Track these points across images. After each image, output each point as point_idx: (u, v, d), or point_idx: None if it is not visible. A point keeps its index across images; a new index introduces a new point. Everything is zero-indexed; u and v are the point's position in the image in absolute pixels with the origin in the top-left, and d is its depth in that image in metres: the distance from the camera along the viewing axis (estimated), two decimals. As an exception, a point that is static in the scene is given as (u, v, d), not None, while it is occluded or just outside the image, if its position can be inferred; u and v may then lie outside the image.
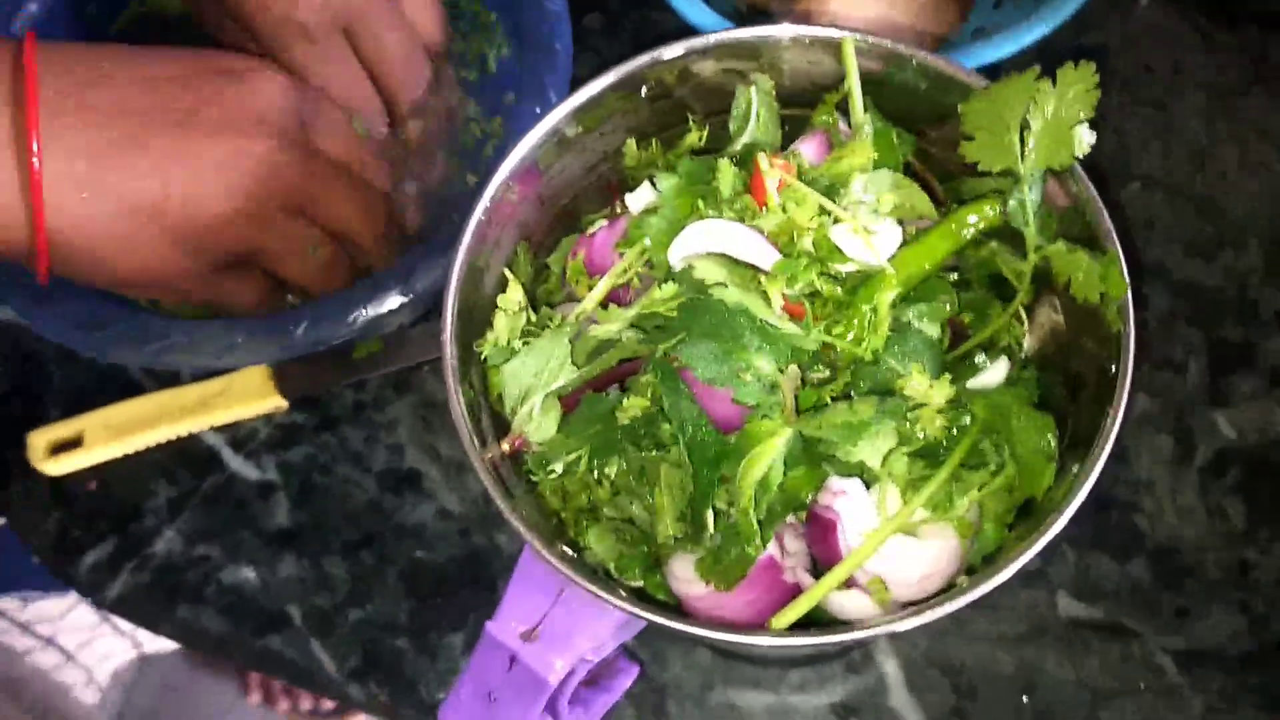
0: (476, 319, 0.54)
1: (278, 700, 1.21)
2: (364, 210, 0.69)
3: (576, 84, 0.56)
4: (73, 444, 0.73)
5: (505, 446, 0.52)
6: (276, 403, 0.74)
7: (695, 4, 0.71)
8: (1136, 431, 0.72)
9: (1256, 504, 0.70)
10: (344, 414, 0.76)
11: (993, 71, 0.58)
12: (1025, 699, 0.67)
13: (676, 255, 0.51)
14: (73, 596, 1.12)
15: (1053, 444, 0.50)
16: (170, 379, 0.76)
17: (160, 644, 1.18)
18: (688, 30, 0.70)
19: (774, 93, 0.56)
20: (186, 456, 0.75)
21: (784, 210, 0.50)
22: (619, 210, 0.57)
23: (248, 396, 0.74)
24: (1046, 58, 0.52)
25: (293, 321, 0.65)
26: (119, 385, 0.77)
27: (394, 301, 0.65)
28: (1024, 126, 0.49)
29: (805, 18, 0.69)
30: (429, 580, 0.72)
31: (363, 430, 0.76)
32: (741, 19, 0.79)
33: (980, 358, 0.53)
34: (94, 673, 1.16)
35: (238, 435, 0.76)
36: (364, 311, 0.65)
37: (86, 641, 1.16)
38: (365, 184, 0.70)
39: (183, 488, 0.75)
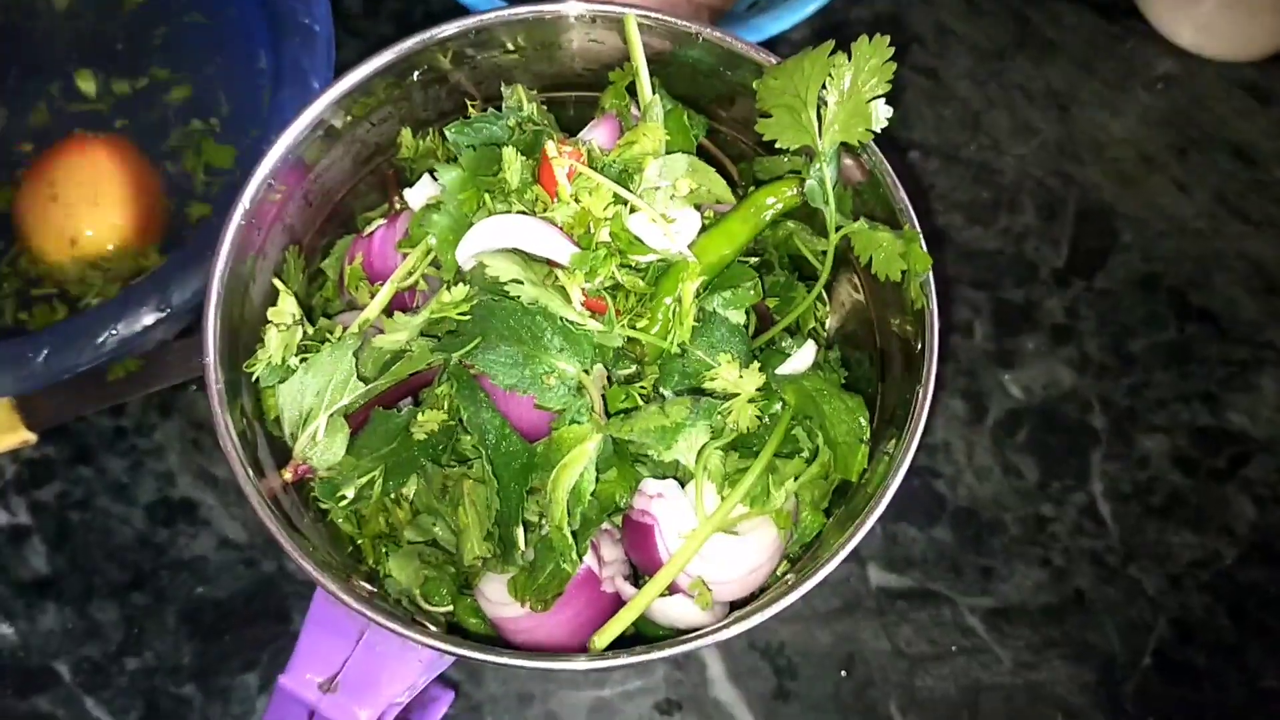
0: (245, 336, 0.48)
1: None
2: None
3: (342, 71, 0.51)
4: None
5: (287, 475, 0.47)
6: (23, 436, 0.66)
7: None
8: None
9: (1047, 459, 0.72)
10: (102, 442, 0.69)
11: (772, 45, 0.57)
12: (844, 673, 0.66)
13: (465, 254, 0.47)
14: None
15: (865, 426, 0.48)
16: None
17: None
18: (455, 9, 0.65)
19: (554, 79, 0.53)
20: (-81, 506, 0.67)
21: (577, 200, 0.47)
22: (398, 206, 0.53)
23: (-13, 432, 0.66)
24: (821, 31, 0.50)
25: (30, 348, 0.57)
26: None
27: (149, 318, 0.59)
28: (820, 102, 0.47)
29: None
30: (213, 617, 0.66)
31: (125, 459, 0.68)
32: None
33: (787, 342, 0.51)
34: None
35: (-21, 476, 0.68)
36: (115, 331, 0.58)
37: None
38: None
39: (-84, 542, 0.66)
